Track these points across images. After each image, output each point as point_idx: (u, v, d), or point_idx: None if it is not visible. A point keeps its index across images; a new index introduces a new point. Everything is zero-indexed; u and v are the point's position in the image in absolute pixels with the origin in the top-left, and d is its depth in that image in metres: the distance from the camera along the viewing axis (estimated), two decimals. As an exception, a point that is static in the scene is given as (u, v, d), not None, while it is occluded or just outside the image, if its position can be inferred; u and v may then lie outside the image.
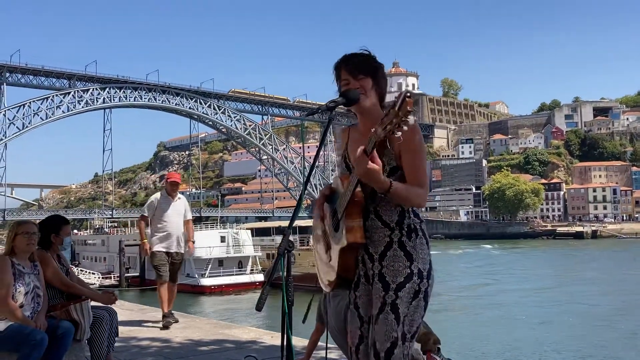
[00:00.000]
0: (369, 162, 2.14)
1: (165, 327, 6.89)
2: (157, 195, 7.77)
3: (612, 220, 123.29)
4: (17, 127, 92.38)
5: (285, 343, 2.16)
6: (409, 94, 2.05)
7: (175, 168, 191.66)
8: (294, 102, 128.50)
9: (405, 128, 2.05)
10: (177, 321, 7.18)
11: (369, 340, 2.32)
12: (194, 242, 7.83)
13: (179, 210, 7.52)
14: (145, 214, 7.61)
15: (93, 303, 4.60)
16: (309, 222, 56.27)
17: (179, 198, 7.65)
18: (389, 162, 2.31)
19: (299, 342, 5.49)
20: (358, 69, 2.37)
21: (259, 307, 2.17)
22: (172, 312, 7.34)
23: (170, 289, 7.44)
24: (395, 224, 2.30)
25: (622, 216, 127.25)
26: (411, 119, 2.04)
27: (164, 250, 7.34)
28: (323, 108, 2.37)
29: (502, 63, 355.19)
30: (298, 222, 51.06)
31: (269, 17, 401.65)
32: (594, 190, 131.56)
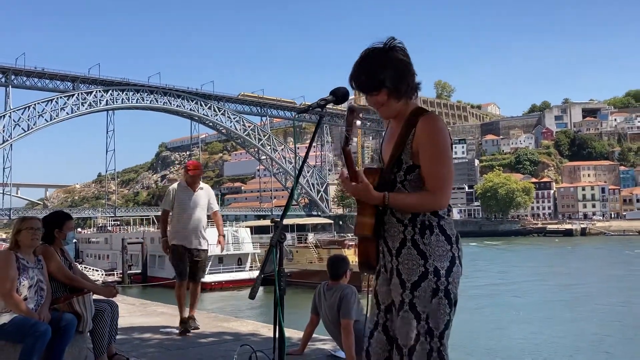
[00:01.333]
0: (351, 183, 2.19)
1: (183, 332, 6.10)
2: (175, 185, 6.77)
3: (601, 218, 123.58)
4: (22, 128, 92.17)
5: (277, 330, 2.19)
6: (350, 108, 2.17)
7: (177, 168, 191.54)
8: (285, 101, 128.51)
9: (354, 138, 2.15)
10: (197, 328, 6.24)
11: (381, 328, 2.34)
12: (224, 237, 6.96)
13: (200, 202, 6.60)
14: (167, 208, 6.64)
15: (95, 296, 4.62)
16: (306, 221, 56.32)
17: (201, 188, 6.69)
18: (407, 160, 2.27)
19: (295, 334, 5.53)
20: (366, 89, 2.28)
21: (252, 296, 2.20)
22: (195, 317, 6.40)
23: (192, 289, 6.52)
24: (408, 221, 2.25)
25: (610, 214, 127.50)
26: (355, 130, 2.15)
27: (184, 246, 6.46)
28: (314, 106, 2.35)
29: (494, 66, 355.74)
30: (295, 220, 51.16)
31: (267, 22, 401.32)
32: (583, 189, 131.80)
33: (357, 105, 2.24)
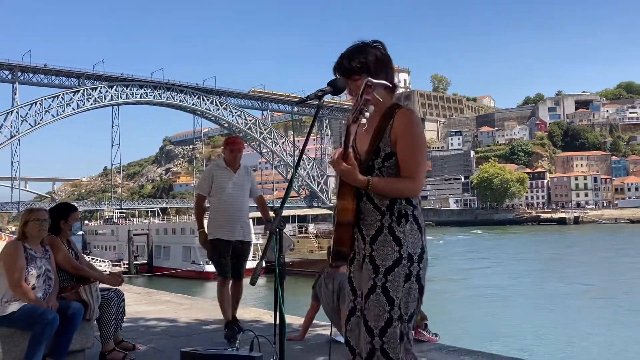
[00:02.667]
0: (343, 163, 2.18)
1: (229, 338, 5.00)
2: (212, 166, 5.48)
3: (593, 206, 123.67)
4: (29, 124, 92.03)
5: (278, 314, 2.19)
6: (369, 83, 2.12)
7: (180, 162, 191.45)
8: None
9: (367, 114, 2.11)
10: (241, 331, 4.73)
11: (358, 312, 2.34)
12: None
13: (242, 185, 5.34)
14: (203, 193, 5.33)
15: (101, 285, 4.63)
16: (307, 211, 56.34)
17: (242, 169, 5.43)
18: (385, 147, 2.30)
19: (296, 320, 5.55)
20: (350, 71, 2.34)
21: (252, 282, 2.21)
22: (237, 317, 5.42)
23: (235, 288, 5.47)
24: (385, 208, 2.28)
25: (603, 203, 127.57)
26: (371, 107, 2.12)
27: (225, 238, 5.23)
28: (312, 97, 2.35)
29: (488, 59, 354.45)
30: (296, 211, 51.25)
31: (267, 18, 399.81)
32: (576, 179, 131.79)
33: (375, 81, 2.20)
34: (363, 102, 2.11)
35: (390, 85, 2.35)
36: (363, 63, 2.32)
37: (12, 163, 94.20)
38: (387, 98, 2.37)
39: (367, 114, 2.14)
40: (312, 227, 44.29)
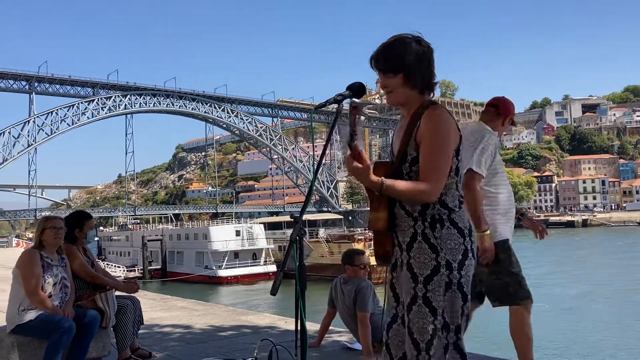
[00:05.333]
0: (354, 162, 2.08)
1: None
2: (491, 135, 3.45)
3: (601, 209, 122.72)
4: (45, 133, 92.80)
5: (299, 326, 2.10)
6: (354, 104, 2.07)
7: (193, 168, 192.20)
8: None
9: (356, 138, 2.04)
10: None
11: (400, 321, 2.25)
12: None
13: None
14: (480, 171, 3.32)
15: (117, 292, 4.57)
16: (317, 216, 56.35)
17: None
18: (410, 151, 2.20)
19: (312, 326, 5.44)
20: (386, 68, 2.23)
21: (273, 292, 2.11)
22: None
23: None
24: (418, 214, 2.16)
25: (611, 205, 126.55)
26: (359, 127, 2.06)
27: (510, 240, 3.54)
28: (330, 101, 2.28)
29: (496, 64, 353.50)
30: (307, 217, 51.19)
31: (277, 27, 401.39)
32: (584, 182, 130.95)
33: (359, 101, 2.12)
34: (351, 125, 2.03)
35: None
36: (400, 63, 2.20)
37: (29, 171, 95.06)
38: (416, 98, 2.26)
39: (358, 135, 2.06)
40: (322, 232, 44.22)
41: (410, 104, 2.26)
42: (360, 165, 2.08)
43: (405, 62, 2.20)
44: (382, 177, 2.11)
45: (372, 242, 2.45)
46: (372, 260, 2.44)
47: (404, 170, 2.21)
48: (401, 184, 2.12)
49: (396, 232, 2.21)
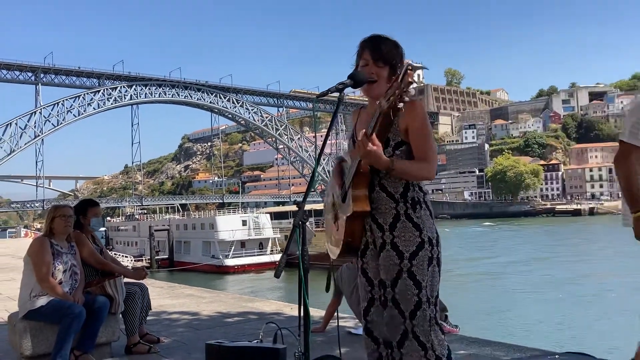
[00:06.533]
0: (369, 144, 2.13)
1: None
2: None
3: (608, 198, 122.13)
4: (52, 123, 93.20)
5: (302, 308, 2.17)
6: (410, 67, 2.04)
7: (199, 159, 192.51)
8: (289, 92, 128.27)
9: (406, 99, 2.04)
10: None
11: (379, 302, 2.32)
12: None
13: None
14: (638, 143, 2.72)
15: (126, 279, 4.66)
16: (322, 206, 56.35)
17: None
18: (394, 137, 2.30)
19: (317, 312, 5.53)
20: (380, 57, 2.32)
21: (277, 275, 2.18)
22: None
23: None
24: (399, 196, 2.28)
25: (618, 194, 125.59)
26: (412, 90, 2.05)
27: None
28: (332, 89, 2.34)
29: (502, 52, 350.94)
30: (313, 206, 51.33)
31: (282, 17, 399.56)
32: (591, 170, 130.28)
33: (416, 65, 2.13)
34: (405, 86, 2.02)
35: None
36: (393, 54, 2.34)
37: (36, 162, 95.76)
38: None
39: (407, 98, 2.07)
40: (328, 221, 44.18)
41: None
42: (376, 147, 2.14)
43: (394, 56, 2.34)
44: (392, 157, 2.23)
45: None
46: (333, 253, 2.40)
47: (385, 154, 2.26)
48: (408, 163, 2.25)
49: (373, 215, 2.28)
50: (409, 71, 2.01)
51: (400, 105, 2.06)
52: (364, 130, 2.17)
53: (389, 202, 2.29)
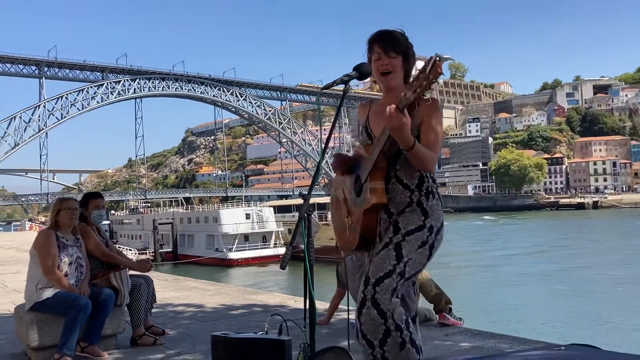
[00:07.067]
0: (402, 116, 2.10)
1: None
2: None
3: (612, 191, 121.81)
4: (56, 117, 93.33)
5: (307, 298, 2.17)
6: (438, 58, 2.04)
7: (202, 152, 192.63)
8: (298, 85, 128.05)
9: (433, 89, 2.08)
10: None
11: (369, 302, 2.22)
12: None
13: None
14: None
15: (131, 272, 4.67)
16: (327, 199, 56.36)
17: None
18: (411, 131, 2.26)
19: (321, 305, 5.54)
20: (390, 47, 2.34)
21: (282, 266, 2.19)
22: None
23: None
24: (415, 187, 2.31)
25: (622, 187, 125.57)
26: (440, 81, 2.02)
27: None
28: (338, 81, 2.35)
29: (506, 45, 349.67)
30: (316, 199, 51.38)
31: (284, 10, 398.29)
32: (595, 164, 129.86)
33: (445, 56, 2.11)
34: (434, 77, 2.02)
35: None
36: (403, 43, 2.37)
37: (40, 156, 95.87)
38: (402, 86, 2.38)
39: (433, 89, 2.09)
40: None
41: (398, 89, 2.32)
42: (406, 121, 2.11)
43: (405, 47, 2.37)
44: (414, 139, 2.18)
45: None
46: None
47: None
48: (424, 148, 2.23)
49: (387, 205, 2.29)
50: (437, 62, 2.00)
51: (428, 96, 2.10)
52: (394, 105, 2.10)
53: (405, 192, 2.30)
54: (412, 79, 2.14)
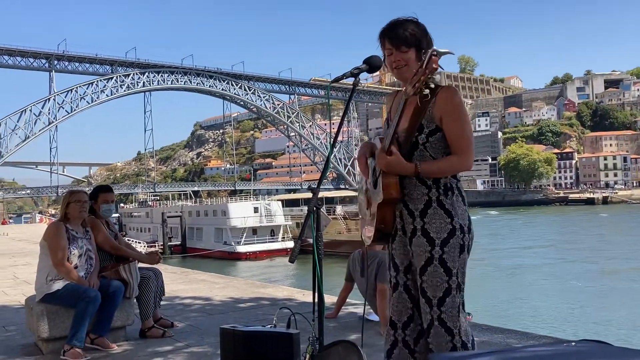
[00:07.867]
0: (386, 157, 2.15)
1: None
2: None
3: (623, 186, 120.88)
4: (66, 110, 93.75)
5: (316, 291, 2.17)
6: (435, 52, 2.02)
7: (211, 146, 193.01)
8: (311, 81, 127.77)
9: (432, 85, 2.03)
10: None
11: (402, 288, 2.32)
12: None
13: None
14: None
15: (140, 264, 4.69)
16: (335, 194, 56.37)
17: None
18: (429, 124, 2.25)
19: (329, 299, 5.54)
20: (401, 42, 2.26)
21: (291, 260, 2.19)
22: None
23: None
24: (432, 182, 2.25)
25: (633, 182, 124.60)
26: (437, 76, 2.02)
27: None
28: (347, 74, 2.33)
29: (516, 39, 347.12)
30: (324, 194, 51.35)
31: (294, 4, 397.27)
32: (605, 159, 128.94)
33: (442, 50, 2.10)
34: (430, 72, 2.00)
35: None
36: (414, 35, 2.27)
37: (50, 149, 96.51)
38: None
39: (432, 85, 2.04)
40: (339, 209, 44.34)
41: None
42: (394, 157, 2.16)
43: (417, 37, 2.27)
44: (417, 162, 2.20)
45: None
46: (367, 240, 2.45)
47: (419, 141, 2.26)
48: (437, 163, 2.22)
49: (405, 201, 2.26)
50: (433, 57, 1.97)
51: (427, 91, 2.04)
52: (381, 146, 2.17)
53: (422, 188, 2.26)
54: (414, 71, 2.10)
